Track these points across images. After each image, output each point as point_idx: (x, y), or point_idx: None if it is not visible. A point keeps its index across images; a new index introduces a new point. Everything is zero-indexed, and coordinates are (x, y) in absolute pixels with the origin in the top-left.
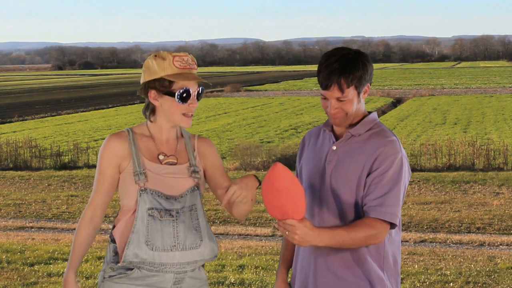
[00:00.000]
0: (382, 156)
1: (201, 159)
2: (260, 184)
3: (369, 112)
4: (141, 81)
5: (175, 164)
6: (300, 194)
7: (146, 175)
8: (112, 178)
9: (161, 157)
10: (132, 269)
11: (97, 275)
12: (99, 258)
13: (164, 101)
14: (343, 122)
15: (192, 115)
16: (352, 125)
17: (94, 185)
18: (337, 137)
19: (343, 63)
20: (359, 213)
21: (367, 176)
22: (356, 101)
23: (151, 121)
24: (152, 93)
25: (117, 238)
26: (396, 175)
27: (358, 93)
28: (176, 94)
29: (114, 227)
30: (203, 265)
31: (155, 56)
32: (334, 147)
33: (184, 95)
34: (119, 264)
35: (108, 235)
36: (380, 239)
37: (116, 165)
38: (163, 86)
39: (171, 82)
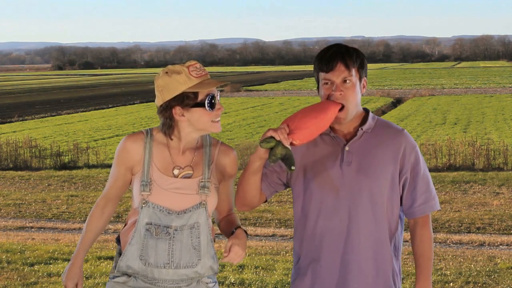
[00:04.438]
0: (408, 150)
1: (217, 172)
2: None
3: (363, 109)
4: (160, 102)
5: (190, 176)
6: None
7: (151, 187)
8: (124, 177)
9: (175, 171)
10: (130, 276)
11: (97, 275)
12: (99, 258)
13: (192, 114)
14: (346, 118)
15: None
16: (361, 123)
17: (109, 179)
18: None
19: (346, 46)
20: (392, 209)
21: (400, 172)
22: (358, 90)
23: (171, 139)
24: (177, 110)
25: (122, 242)
26: (424, 165)
27: (360, 79)
28: (206, 103)
29: (125, 225)
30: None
31: (167, 72)
32: (347, 148)
33: (212, 101)
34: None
35: (117, 235)
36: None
37: (129, 167)
38: (188, 99)
39: (195, 94)
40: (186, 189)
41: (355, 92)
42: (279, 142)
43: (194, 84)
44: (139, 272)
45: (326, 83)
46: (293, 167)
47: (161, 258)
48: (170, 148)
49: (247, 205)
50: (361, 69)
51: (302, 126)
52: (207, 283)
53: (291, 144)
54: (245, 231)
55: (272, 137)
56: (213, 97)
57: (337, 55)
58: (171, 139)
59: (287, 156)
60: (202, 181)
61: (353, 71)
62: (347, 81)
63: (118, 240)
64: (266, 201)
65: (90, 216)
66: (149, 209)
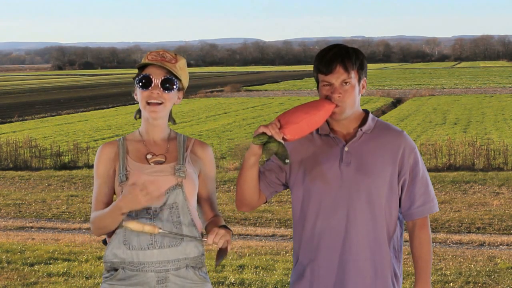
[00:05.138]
0: (407, 151)
1: (195, 161)
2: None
3: (363, 110)
4: None
5: (162, 163)
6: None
7: (127, 176)
8: (111, 179)
9: (149, 156)
10: (117, 269)
11: (97, 275)
12: (99, 258)
13: (137, 92)
14: (341, 115)
15: (159, 104)
16: (360, 124)
17: (94, 193)
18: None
19: (346, 48)
20: (390, 210)
21: (399, 173)
22: (357, 92)
23: (136, 119)
24: (135, 89)
25: (108, 240)
26: (423, 167)
27: (359, 81)
28: (135, 80)
29: None
30: (199, 267)
31: None
32: (347, 148)
33: (143, 80)
34: (105, 265)
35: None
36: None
37: (111, 168)
38: (134, 77)
39: (138, 72)
40: (162, 172)
41: (354, 94)
42: (271, 137)
43: (141, 65)
44: (125, 259)
45: (325, 85)
46: (287, 161)
47: (144, 239)
48: (144, 141)
49: (247, 204)
50: (361, 70)
51: (293, 121)
52: (197, 271)
53: (283, 139)
54: (229, 229)
55: (264, 133)
56: (145, 76)
57: (337, 57)
58: (135, 119)
59: (280, 150)
60: (177, 165)
61: (352, 74)
62: (346, 83)
63: (105, 243)
64: (266, 201)
65: (93, 219)
66: None
